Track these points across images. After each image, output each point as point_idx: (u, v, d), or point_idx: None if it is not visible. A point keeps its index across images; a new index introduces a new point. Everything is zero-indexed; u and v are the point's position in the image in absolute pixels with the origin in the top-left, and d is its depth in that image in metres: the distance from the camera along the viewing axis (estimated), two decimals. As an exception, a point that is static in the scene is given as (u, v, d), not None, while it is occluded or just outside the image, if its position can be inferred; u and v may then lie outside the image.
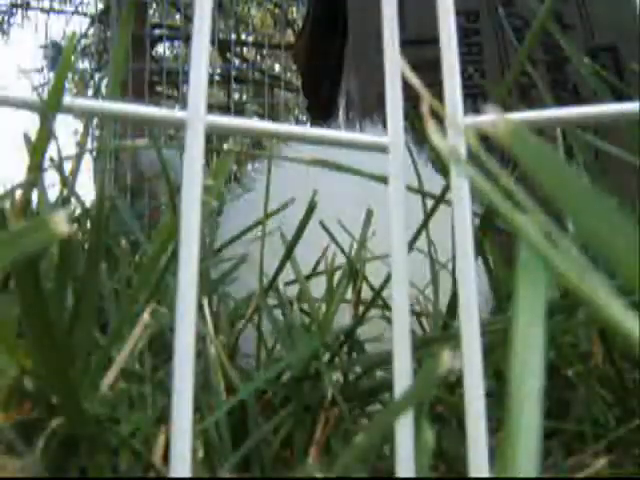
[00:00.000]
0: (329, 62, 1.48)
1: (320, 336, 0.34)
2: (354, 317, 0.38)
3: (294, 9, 4.60)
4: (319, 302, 0.38)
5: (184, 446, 0.16)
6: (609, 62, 1.16)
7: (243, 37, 5.13)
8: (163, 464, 0.26)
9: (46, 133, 0.26)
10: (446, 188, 0.37)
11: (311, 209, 0.39)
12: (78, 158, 0.33)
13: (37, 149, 0.26)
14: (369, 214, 0.41)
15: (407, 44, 1.16)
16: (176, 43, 4.70)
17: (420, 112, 0.16)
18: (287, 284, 0.42)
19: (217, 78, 4.86)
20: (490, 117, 0.13)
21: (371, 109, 1.21)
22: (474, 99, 1.12)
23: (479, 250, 0.35)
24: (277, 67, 5.04)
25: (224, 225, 0.53)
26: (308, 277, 0.42)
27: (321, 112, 1.60)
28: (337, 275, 0.40)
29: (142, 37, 3.32)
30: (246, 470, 0.30)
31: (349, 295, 0.39)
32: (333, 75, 1.51)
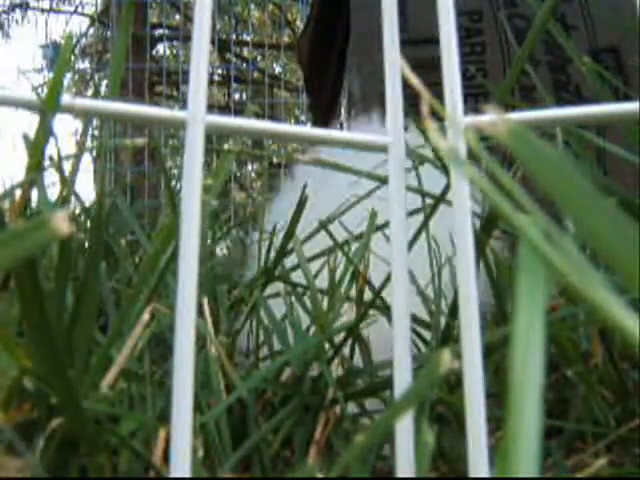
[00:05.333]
0: (331, 61, 1.48)
1: (322, 333, 0.34)
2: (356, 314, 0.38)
3: (294, 9, 4.60)
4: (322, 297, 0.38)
5: (184, 446, 0.16)
6: (611, 63, 1.16)
7: (243, 37, 5.13)
8: (163, 464, 0.26)
9: (45, 133, 0.26)
10: (446, 188, 0.37)
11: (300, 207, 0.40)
12: (78, 158, 0.33)
13: (36, 149, 0.26)
14: (372, 214, 0.41)
15: (408, 44, 1.16)
16: (176, 43, 4.70)
17: (420, 111, 0.16)
18: (286, 281, 0.42)
19: (217, 78, 4.86)
20: (490, 117, 0.13)
21: (373, 108, 1.21)
22: (476, 99, 1.12)
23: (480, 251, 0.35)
24: (277, 67, 5.04)
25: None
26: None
27: (323, 111, 1.60)
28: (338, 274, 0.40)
29: (142, 37, 3.32)
30: (246, 470, 0.30)
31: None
32: (335, 74, 1.51)
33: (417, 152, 0.41)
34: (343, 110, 1.66)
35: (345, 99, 1.56)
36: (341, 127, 1.68)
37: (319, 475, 0.20)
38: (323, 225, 0.43)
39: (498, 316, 0.38)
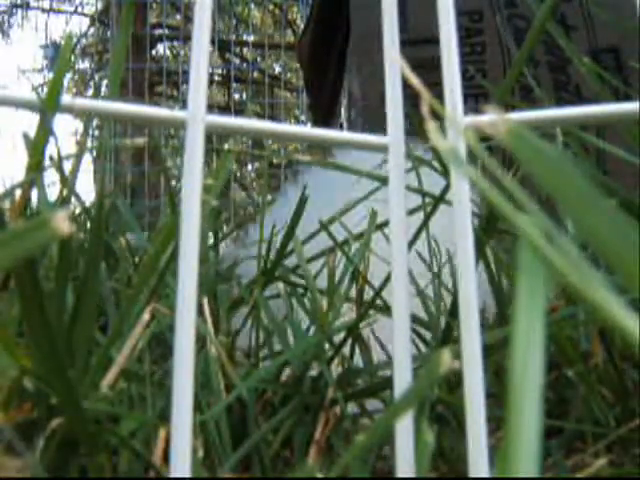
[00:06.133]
0: (331, 61, 1.48)
1: (322, 333, 0.34)
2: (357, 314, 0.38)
3: (294, 9, 4.59)
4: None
5: (184, 446, 0.16)
6: (611, 63, 1.16)
7: (243, 37, 5.13)
8: (163, 464, 0.26)
9: (45, 133, 0.26)
10: (446, 188, 0.37)
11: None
12: (78, 158, 0.33)
13: (36, 148, 0.26)
14: (373, 214, 0.41)
15: (408, 44, 1.16)
16: (176, 43, 4.70)
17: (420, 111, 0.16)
18: (286, 282, 0.42)
19: (217, 78, 4.86)
20: (490, 117, 0.13)
21: (373, 108, 1.21)
22: (476, 99, 1.12)
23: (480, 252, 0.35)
24: (277, 67, 5.04)
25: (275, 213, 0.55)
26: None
27: (323, 111, 1.61)
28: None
29: (142, 37, 3.32)
30: (246, 470, 0.30)
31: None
32: (335, 74, 1.51)
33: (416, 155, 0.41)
34: (343, 110, 1.66)
35: (345, 99, 1.56)
36: (341, 127, 1.68)
37: (319, 475, 0.20)
38: (324, 225, 0.43)
39: (498, 316, 0.38)
